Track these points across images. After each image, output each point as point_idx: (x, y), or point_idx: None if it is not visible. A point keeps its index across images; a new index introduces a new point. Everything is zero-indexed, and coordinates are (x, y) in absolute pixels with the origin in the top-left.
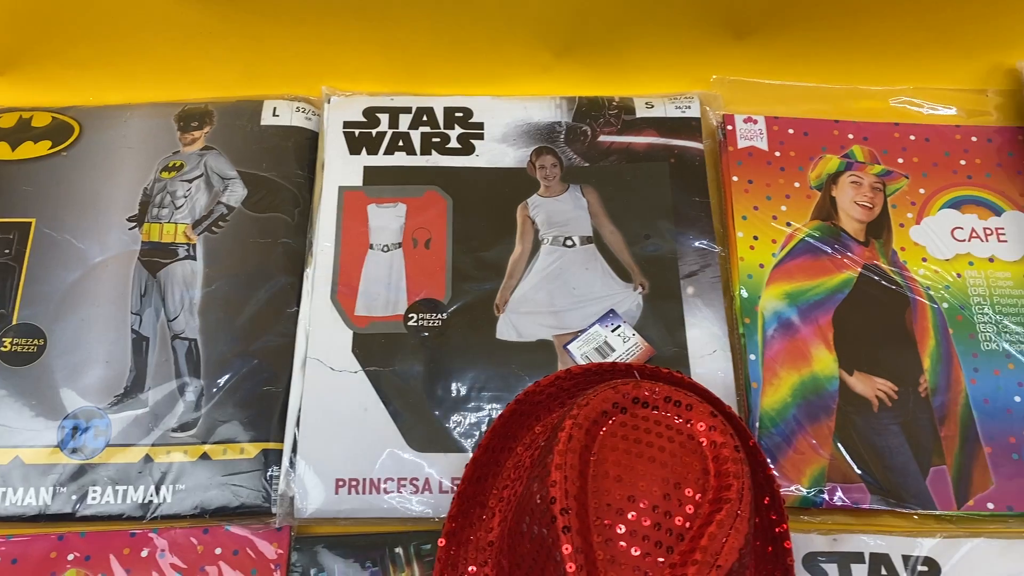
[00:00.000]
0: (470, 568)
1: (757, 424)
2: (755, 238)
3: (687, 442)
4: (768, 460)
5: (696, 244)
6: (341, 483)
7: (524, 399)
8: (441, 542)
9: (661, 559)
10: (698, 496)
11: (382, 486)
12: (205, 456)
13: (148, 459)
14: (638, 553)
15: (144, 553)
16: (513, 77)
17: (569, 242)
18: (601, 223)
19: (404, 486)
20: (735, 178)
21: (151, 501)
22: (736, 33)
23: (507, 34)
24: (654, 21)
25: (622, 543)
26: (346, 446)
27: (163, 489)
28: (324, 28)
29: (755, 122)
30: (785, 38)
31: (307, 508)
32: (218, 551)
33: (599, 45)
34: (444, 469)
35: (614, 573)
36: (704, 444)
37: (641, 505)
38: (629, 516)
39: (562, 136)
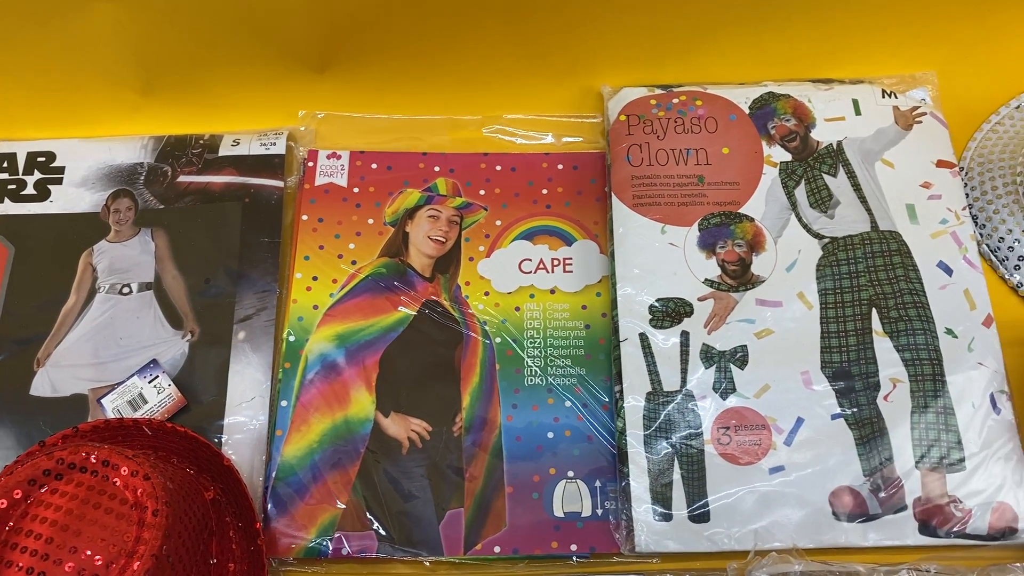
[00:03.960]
0: None
1: (274, 474)
2: (314, 279)
3: (118, 507)
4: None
5: (257, 287)
6: None
7: (25, 460)
8: None
9: None
10: (111, 564)
11: None
12: None
13: None
14: None
15: None
16: (101, 118)
17: (126, 289)
18: (165, 267)
19: None
20: (305, 216)
21: None
22: (315, 67)
23: (88, 75)
24: (234, 55)
25: None
26: None
27: None
28: None
29: (339, 157)
30: (371, 70)
31: None
32: None
33: (185, 82)
34: None
35: None
36: (132, 508)
37: None
38: None
39: (142, 178)
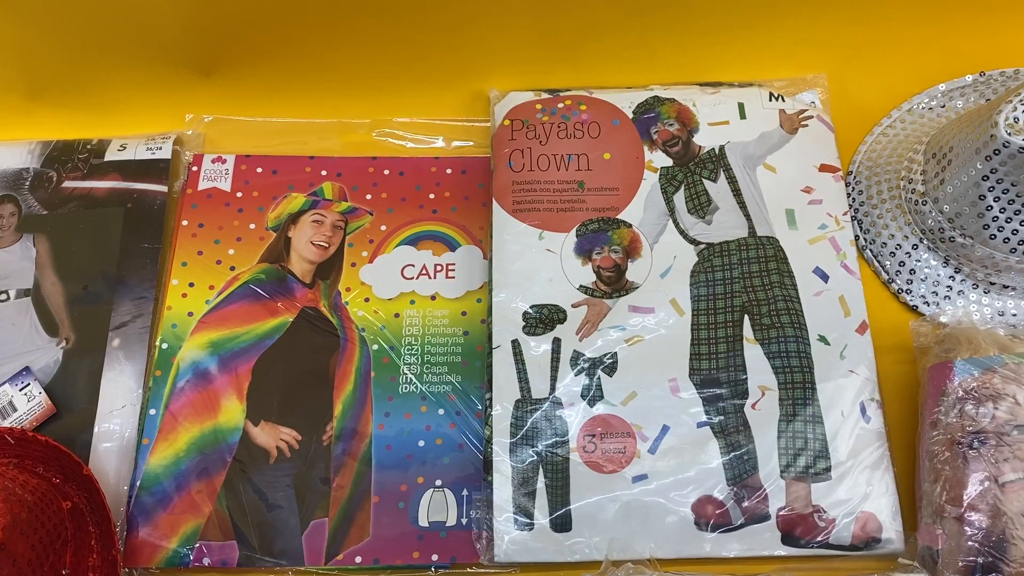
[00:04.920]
0: None
1: (138, 483)
2: (191, 285)
3: None
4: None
5: (134, 293)
6: None
7: None
8: None
9: None
10: None
11: None
12: None
13: None
14: None
15: None
16: None
17: (3, 296)
18: (45, 274)
19: None
20: (185, 222)
21: None
22: (202, 71)
23: None
24: (122, 59)
25: None
26: None
27: None
28: None
29: (224, 162)
30: (259, 73)
31: None
32: None
33: (74, 87)
34: None
35: None
36: None
37: None
38: None
39: (27, 183)
